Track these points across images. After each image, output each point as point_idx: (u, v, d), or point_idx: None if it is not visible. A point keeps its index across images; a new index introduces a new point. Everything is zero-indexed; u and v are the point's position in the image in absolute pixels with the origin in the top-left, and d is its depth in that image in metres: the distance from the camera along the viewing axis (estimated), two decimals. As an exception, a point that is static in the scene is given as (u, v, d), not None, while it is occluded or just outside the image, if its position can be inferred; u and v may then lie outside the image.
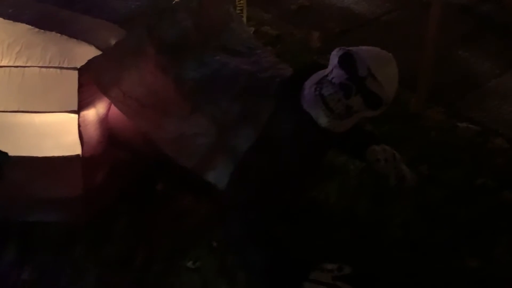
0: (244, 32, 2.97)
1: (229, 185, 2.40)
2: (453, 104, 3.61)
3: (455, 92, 3.70)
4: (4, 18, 2.55)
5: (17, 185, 2.48)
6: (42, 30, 2.48)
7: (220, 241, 2.66)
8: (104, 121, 2.55)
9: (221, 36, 2.79)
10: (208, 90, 2.51)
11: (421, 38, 3.47)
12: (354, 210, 2.83)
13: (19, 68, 2.44)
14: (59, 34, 2.47)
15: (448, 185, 3.01)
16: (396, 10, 4.39)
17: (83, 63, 2.37)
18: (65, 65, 2.38)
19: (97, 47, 2.45)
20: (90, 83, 2.39)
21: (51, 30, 2.48)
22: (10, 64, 2.46)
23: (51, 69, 2.41)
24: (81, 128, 2.42)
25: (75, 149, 2.46)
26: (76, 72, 2.36)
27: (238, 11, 3.74)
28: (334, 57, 2.32)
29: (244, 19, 3.80)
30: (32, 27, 2.50)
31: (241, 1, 3.61)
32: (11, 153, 2.20)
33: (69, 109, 2.41)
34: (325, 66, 2.37)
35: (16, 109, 2.47)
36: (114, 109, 2.53)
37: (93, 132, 2.49)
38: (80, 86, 2.36)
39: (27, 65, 2.44)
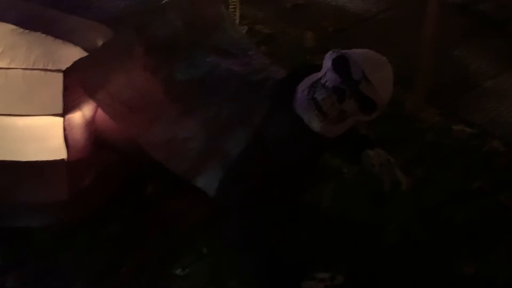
0: (236, 33, 2.90)
1: (219, 190, 2.33)
2: (449, 105, 3.55)
3: (451, 92, 3.64)
4: (-14, 18, 2.48)
5: (1, 190, 2.43)
6: (27, 31, 2.41)
7: (211, 247, 2.60)
8: (91, 124, 2.48)
9: (212, 36, 2.72)
10: (199, 93, 2.44)
11: (417, 37, 3.41)
12: (349, 214, 2.78)
13: (1, 70, 2.36)
14: (44, 35, 2.40)
15: (444, 189, 2.96)
16: (392, 9, 4.33)
17: (68, 65, 2.30)
18: (49, 67, 2.31)
19: (84, 48, 2.38)
20: (76, 86, 2.32)
21: (36, 30, 2.41)
22: (-7, 66, 2.39)
23: (35, 71, 2.33)
24: (66, 132, 2.35)
25: (61, 153, 2.39)
26: (61, 75, 2.29)
27: (231, 9, 3.68)
28: (327, 60, 2.26)
29: (237, 17, 3.74)
30: (16, 27, 2.43)
31: (234, -1, 3.55)
32: (-5, 157, 2.13)
33: (54, 112, 2.34)
34: (318, 69, 2.31)
35: (-2, 112, 2.40)
36: (101, 111, 2.45)
37: (79, 135, 2.42)
38: (65, 89, 2.29)
39: (10, 67, 2.36)
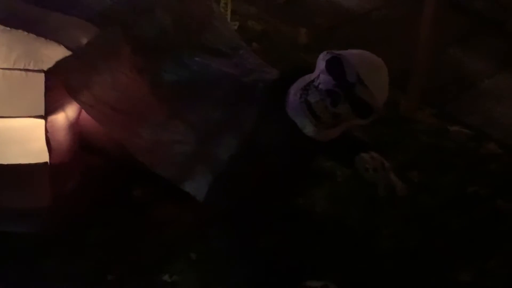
0: (227, 30, 2.82)
1: (208, 196, 2.25)
2: (445, 106, 3.49)
3: (447, 93, 3.59)
4: (-35, 15, 2.37)
5: (-19, 195, 2.33)
6: (8, 28, 2.30)
7: (200, 253, 2.52)
8: (74, 126, 2.39)
9: (202, 34, 2.64)
10: (187, 95, 2.36)
11: (412, 36, 3.33)
12: (342, 220, 2.71)
13: (-20, 70, 2.26)
14: (25, 33, 2.29)
15: (439, 193, 2.90)
16: (387, 6, 4.26)
17: (51, 65, 2.21)
18: (31, 67, 2.20)
19: (67, 47, 2.27)
20: (59, 87, 2.23)
21: (17, 28, 2.30)
22: (-29, 65, 2.29)
23: (15, 72, 2.23)
24: (48, 134, 2.26)
25: (43, 156, 2.30)
26: (42, 75, 2.19)
27: (222, 5, 3.59)
28: (321, 62, 2.17)
29: (229, 12, 3.66)
30: (-4, 24, 2.32)
31: (226, -7, 3.46)
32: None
33: (35, 114, 2.25)
34: (312, 70, 2.22)
35: (-23, 114, 2.30)
36: (86, 112, 2.36)
37: (62, 137, 2.33)
38: (47, 90, 2.19)
39: (-11, 67, 2.26)
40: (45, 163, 2.30)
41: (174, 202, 2.62)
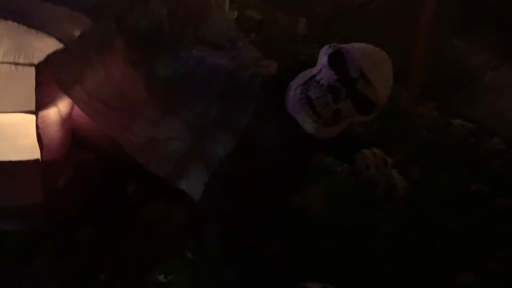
0: (224, 22, 2.74)
1: (203, 195, 2.18)
2: (446, 99, 3.42)
3: (448, 86, 3.51)
4: (-47, 6, 2.29)
5: (-30, 192, 2.26)
6: (-3, 19, 2.22)
7: (195, 252, 2.46)
8: (67, 121, 2.32)
9: (199, 27, 2.56)
10: (183, 90, 2.29)
11: (413, 27, 3.25)
12: (339, 219, 2.64)
13: (-32, 63, 2.18)
14: (16, 24, 2.21)
15: (440, 191, 2.84)
16: (388, -3, 4.17)
17: (42, 58, 2.13)
18: (21, 61, 2.12)
19: (59, 40, 2.20)
20: (50, 81, 2.15)
21: (6, 19, 2.22)
22: (-42, 59, 2.20)
23: (5, 65, 2.15)
24: (39, 130, 2.19)
25: (34, 153, 2.23)
26: (33, 69, 2.11)
27: (222, -7, 3.52)
28: (323, 56, 2.08)
29: (227, 1, 3.57)
30: (-15, 16, 2.24)
31: (225, -18, 3.38)
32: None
33: (26, 109, 2.18)
34: (313, 64, 2.14)
35: (-35, 110, 2.22)
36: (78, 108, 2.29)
37: (54, 133, 2.26)
38: (38, 84, 2.11)
39: (-23, 60, 2.18)
40: (36, 160, 2.23)
41: (169, 199, 2.56)
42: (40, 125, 2.19)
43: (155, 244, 2.48)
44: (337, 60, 2.04)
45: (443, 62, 3.56)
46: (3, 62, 2.14)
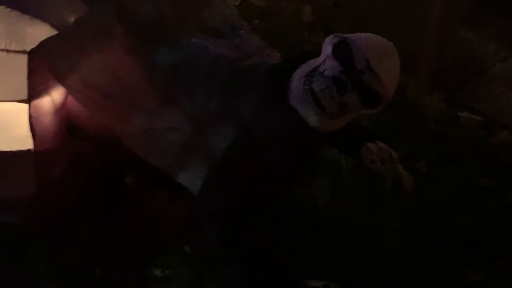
0: (227, 8, 2.63)
1: (202, 190, 2.10)
2: (455, 91, 3.33)
3: (457, 77, 3.42)
4: None
5: (-39, 183, 2.20)
6: (-12, 4, 2.14)
7: (195, 246, 2.39)
8: (61, 110, 2.24)
9: (200, 13, 2.46)
10: (183, 80, 2.20)
11: (421, 15, 3.16)
12: (345, 213, 2.57)
13: (-42, 50, 2.12)
14: (8, 9, 2.15)
15: (447, 186, 2.77)
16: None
17: (34, 45, 2.04)
18: (12, 48, 2.07)
19: (53, 26, 2.13)
20: (43, 69, 2.07)
21: (-1, 4, 2.14)
22: None
23: (-4, 52, 2.08)
24: (32, 120, 2.11)
25: (26, 143, 2.16)
26: (25, 56, 2.03)
27: (225, -22, 3.41)
28: (327, 46, 2.00)
29: (230, -13, 3.48)
30: (-25, 0, 2.17)
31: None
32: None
33: (18, 98, 2.11)
34: (317, 54, 2.06)
35: (-45, 98, 2.17)
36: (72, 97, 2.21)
37: (47, 123, 2.18)
38: (31, 72, 2.03)
39: (-33, 46, 2.12)
40: (29, 150, 2.16)
41: (169, 193, 2.49)
42: (32, 115, 2.11)
43: (154, 239, 2.42)
44: (342, 51, 1.96)
45: (452, 52, 3.48)
46: (-6, 49, 2.08)
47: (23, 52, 2.06)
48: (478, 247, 2.51)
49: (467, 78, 3.44)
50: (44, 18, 2.12)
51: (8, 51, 2.06)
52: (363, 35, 2.03)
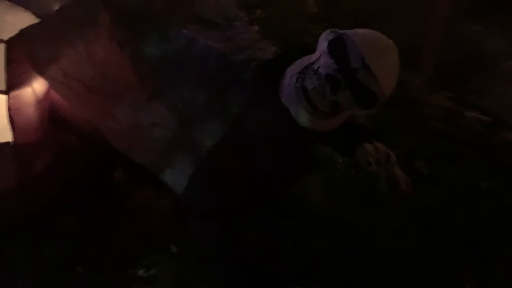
0: (223, -3, 2.53)
1: (188, 189, 2.01)
2: (459, 88, 3.22)
3: (461, 74, 3.31)
4: None
5: None
6: (-33, -10, 2.05)
7: (181, 245, 2.31)
8: (44, 102, 2.16)
9: (194, 1, 2.35)
10: (170, 73, 2.12)
11: (426, 8, 3.06)
12: (340, 213, 2.47)
13: None
14: (-14, -5, 2.04)
15: (447, 187, 2.68)
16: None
17: (14, 34, 1.95)
18: (-11, 37, 1.95)
19: (35, 14, 2.02)
20: (23, 59, 1.97)
21: (-22, -10, 2.05)
22: None
23: (-28, 41, 1.99)
24: (11, 112, 2.04)
25: (6, 135, 2.10)
26: (3, 46, 1.94)
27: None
28: (323, 42, 1.90)
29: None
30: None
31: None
32: None
33: (-4, 89, 2.01)
34: (313, 51, 1.95)
35: None
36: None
37: (29, 114, 2.11)
38: (9, 62, 1.94)
39: None
40: (8, 142, 2.08)
41: (157, 188, 2.40)
42: (12, 106, 2.04)
43: (139, 236, 2.33)
44: (337, 47, 1.85)
45: (457, 47, 3.36)
46: (-29, 37, 1.99)
47: (1, 41, 1.96)
48: (475, 250, 2.44)
49: (472, 75, 3.34)
50: (25, 5, 2.02)
51: (-15, 39, 1.97)
52: (360, 31, 1.92)
